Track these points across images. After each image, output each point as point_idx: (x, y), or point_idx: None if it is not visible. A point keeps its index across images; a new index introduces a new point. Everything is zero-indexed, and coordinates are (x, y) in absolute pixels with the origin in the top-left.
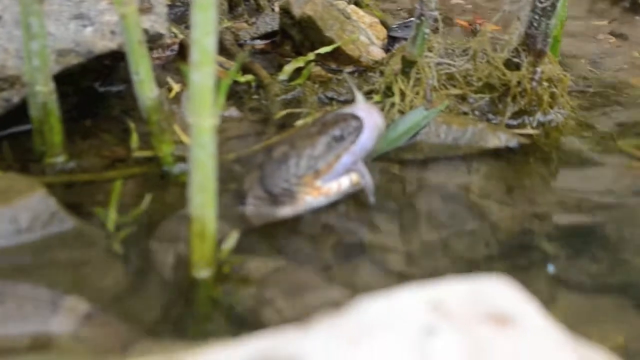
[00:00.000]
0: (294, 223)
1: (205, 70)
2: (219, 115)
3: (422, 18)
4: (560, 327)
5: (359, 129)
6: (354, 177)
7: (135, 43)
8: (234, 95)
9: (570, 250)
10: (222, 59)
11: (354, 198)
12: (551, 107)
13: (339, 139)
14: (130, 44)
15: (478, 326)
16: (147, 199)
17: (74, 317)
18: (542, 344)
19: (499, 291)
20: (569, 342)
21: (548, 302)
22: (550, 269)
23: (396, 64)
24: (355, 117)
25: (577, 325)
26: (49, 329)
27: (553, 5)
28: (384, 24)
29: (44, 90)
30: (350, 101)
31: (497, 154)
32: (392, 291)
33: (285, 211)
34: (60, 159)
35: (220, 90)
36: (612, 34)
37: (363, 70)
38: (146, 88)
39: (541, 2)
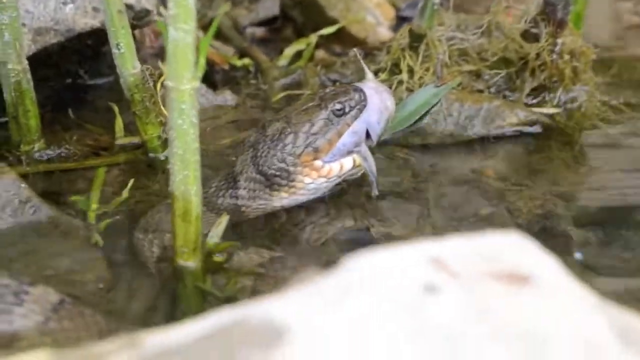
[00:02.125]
0: (293, 213)
1: (184, 27)
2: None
3: None
4: (585, 288)
5: (362, 103)
6: (357, 158)
7: (115, 13)
8: (231, 80)
9: (599, 234)
10: (218, 44)
11: (358, 184)
12: (573, 84)
13: (340, 113)
14: (110, 14)
15: (487, 285)
16: (129, 186)
17: (42, 308)
18: (563, 304)
19: (512, 248)
20: (596, 301)
21: None
22: (578, 256)
23: (403, 39)
24: (358, 90)
25: None
26: (12, 321)
27: None
28: (393, 4)
29: (16, 69)
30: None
31: (515, 137)
32: (389, 248)
33: (282, 196)
34: (38, 145)
35: (201, 52)
36: (637, 13)
37: (369, 52)
38: (128, 63)
39: None
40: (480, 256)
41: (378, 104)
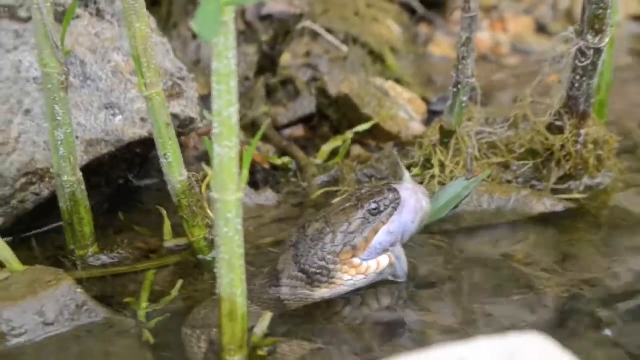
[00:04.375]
0: (332, 303)
1: (228, 143)
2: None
3: (459, 86)
4: None
5: (396, 202)
6: (392, 256)
7: (163, 125)
8: (272, 179)
9: (627, 317)
10: (260, 143)
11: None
12: (598, 171)
13: (375, 212)
14: (157, 127)
15: None
16: (178, 286)
17: None
18: None
19: (535, 349)
20: None
21: None
22: (606, 333)
23: (434, 135)
24: (392, 190)
25: None
26: None
27: (594, 64)
28: (424, 99)
29: (71, 180)
30: (390, 177)
31: (544, 220)
32: (419, 352)
33: (323, 292)
34: (92, 250)
35: (244, 164)
36: None
37: (403, 147)
38: (175, 171)
39: (581, 62)
40: (505, 358)
41: (414, 205)
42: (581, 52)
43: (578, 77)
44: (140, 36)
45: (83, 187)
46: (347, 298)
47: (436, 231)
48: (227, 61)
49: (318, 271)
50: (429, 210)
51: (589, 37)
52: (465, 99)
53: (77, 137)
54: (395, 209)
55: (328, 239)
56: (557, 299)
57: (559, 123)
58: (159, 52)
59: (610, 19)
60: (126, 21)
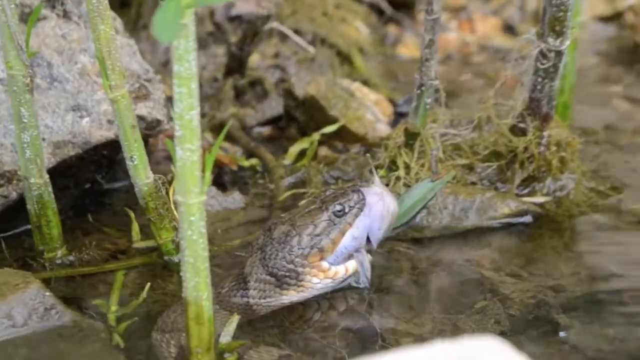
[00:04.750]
0: (300, 309)
1: (190, 147)
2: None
3: (423, 88)
4: None
5: (361, 202)
6: (357, 261)
7: (128, 128)
8: (239, 180)
9: (586, 320)
10: (227, 145)
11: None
12: (561, 173)
13: (340, 214)
14: (123, 129)
15: None
16: (146, 289)
17: None
18: None
19: (489, 352)
20: None
21: None
22: (562, 335)
23: (399, 137)
24: (356, 191)
25: None
26: None
27: (555, 67)
28: (391, 100)
29: (38, 182)
30: (355, 179)
31: (508, 225)
32: (374, 356)
33: (291, 295)
34: (60, 252)
35: (207, 166)
36: (626, 98)
37: (369, 148)
38: (141, 173)
39: (542, 64)
40: None
41: (381, 210)
42: (542, 54)
43: (540, 79)
44: (104, 38)
45: (50, 189)
46: (315, 303)
47: (402, 238)
48: (188, 64)
49: (287, 274)
50: (396, 214)
51: (550, 39)
52: (429, 100)
53: (44, 139)
54: (360, 209)
55: (295, 242)
56: (521, 304)
57: (521, 125)
58: (125, 54)
59: (570, 21)
60: (90, 23)
